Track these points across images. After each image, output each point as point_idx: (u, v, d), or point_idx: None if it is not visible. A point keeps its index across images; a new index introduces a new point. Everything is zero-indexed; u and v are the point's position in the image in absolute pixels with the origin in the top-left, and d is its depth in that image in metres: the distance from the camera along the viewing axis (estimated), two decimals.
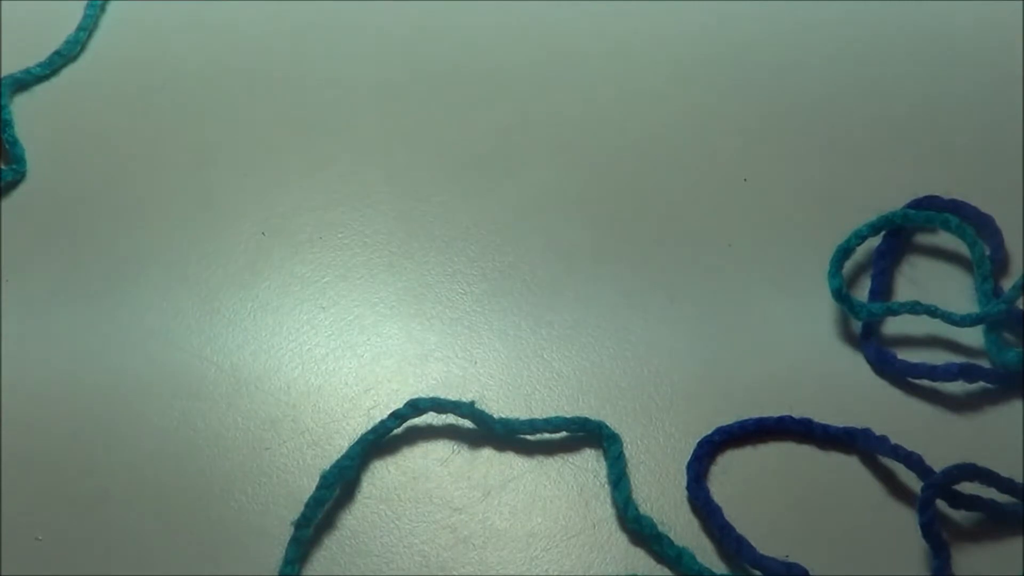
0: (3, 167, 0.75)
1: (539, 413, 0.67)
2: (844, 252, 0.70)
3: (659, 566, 0.63)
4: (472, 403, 0.66)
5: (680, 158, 0.76)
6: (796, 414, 0.66)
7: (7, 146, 0.76)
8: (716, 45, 0.81)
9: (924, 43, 0.80)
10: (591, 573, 0.63)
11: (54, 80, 0.79)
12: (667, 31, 0.82)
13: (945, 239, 0.72)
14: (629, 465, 0.66)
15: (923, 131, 0.77)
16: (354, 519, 0.64)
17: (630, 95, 0.79)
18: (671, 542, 0.63)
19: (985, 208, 0.72)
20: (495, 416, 0.66)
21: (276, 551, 0.63)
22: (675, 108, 0.78)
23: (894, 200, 0.73)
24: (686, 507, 0.65)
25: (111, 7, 0.82)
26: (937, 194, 0.73)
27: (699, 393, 0.68)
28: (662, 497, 0.65)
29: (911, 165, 0.75)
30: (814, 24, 0.82)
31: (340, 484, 0.64)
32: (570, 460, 0.66)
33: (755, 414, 0.67)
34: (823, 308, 0.70)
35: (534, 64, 0.80)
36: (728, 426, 0.66)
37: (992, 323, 0.68)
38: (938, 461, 0.64)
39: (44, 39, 0.80)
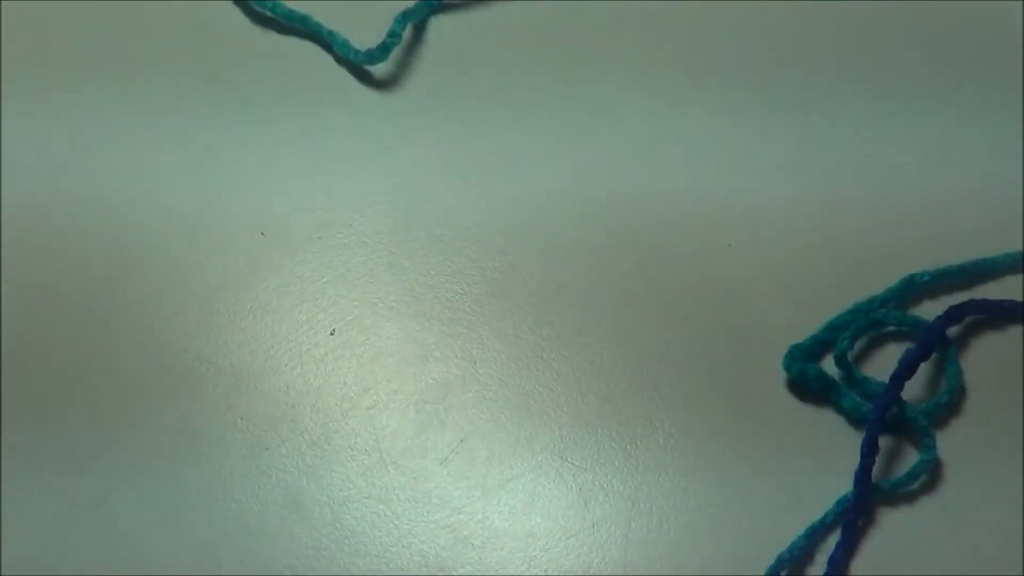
0: None
1: (539, 413, 0.67)
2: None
3: (658, 566, 0.63)
4: None
5: (682, 158, 0.76)
6: None
7: None
8: (718, 45, 0.81)
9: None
10: (590, 573, 0.63)
11: None
12: (668, 31, 0.81)
13: None
14: (628, 465, 0.66)
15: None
16: (353, 519, 0.64)
17: (632, 95, 0.79)
18: None
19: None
20: None
21: (276, 551, 0.63)
22: (677, 108, 0.78)
23: None
24: (685, 508, 0.65)
25: None
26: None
27: (699, 394, 0.68)
28: (662, 497, 0.65)
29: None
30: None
31: None
32: (569, 459, 0.66)
33: (756, 414, 0.67)
34: (821, 310, 0.70)
35: (534, 64, 0.79)
36: None
37: None
38: None
39: None
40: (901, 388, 0.66)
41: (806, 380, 0.68)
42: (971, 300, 0.69)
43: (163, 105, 0.78)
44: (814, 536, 0.64)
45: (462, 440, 0.67)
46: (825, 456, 0.66)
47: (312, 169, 0.75)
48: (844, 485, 0.65)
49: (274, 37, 0.80)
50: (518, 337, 0.70)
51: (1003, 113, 0.77)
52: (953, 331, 0.69)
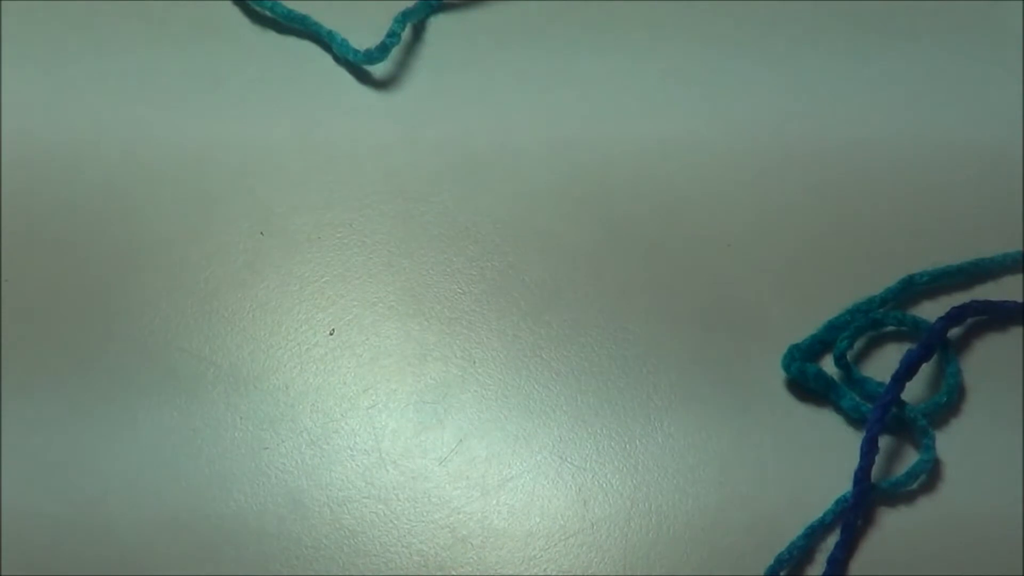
0: None
1: (538, 413, 0.67)
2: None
3: (657, 566, 0.63)
4: None
5: (681, 160, 0.76)
6: None
7: None
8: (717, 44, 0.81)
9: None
10: (589, 573, 0.63)
11: None
12: (669, 31, 0.81)
13: None
14: (628, 465, 0.66)
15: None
16: (352, 519, 0.64)
17: (633, 96, 0.79)
18: None
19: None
20: None
21: (276, 551, 0.63)
22: (679, 108, 0.78)
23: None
24: (684, 508, 0.65)
25: None
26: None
27: (699, 394, 0.68)
28: (662, 497, 0.65)
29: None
30: None
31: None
32: (569, 459, 0.66)
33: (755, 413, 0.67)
34: (821, 310, 0.70)
35: (533, 64, 0.79)
36: None
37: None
38: None
39: None
40: (902, 389, 0.66)
41: (806, 380, 0.68)
42: (973, 301, 0.69)
43: (162, 105, 0.78)
44: (814, 536, 0.64)
45: (461, 440, 0.67)
46: (825, 456, 0.66)
47: (312, 169, 0.75)
48: (844, 485, 0.65)
49: (274, 37, 0.81)
50: (517, 336, 0.70)
51: (1004, 113, 0.77)
52: (953, 331, 0.69)
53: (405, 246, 0.73)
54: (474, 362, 0.69)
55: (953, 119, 0.77)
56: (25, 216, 0.74)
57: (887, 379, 0.67)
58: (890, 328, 0.70)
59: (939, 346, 0.68)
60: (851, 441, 0.66)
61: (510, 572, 0.63)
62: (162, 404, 0.67)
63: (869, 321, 0.69)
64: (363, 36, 0.79)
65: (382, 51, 0.78)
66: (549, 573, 0.63)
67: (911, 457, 0.66)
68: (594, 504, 0.65)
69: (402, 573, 0.63)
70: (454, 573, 0.63)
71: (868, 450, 0.65)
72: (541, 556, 0.64)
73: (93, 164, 0.76)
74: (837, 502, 0.64)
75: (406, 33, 0.80)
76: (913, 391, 0.67)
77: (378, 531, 0.64)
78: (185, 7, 0.81)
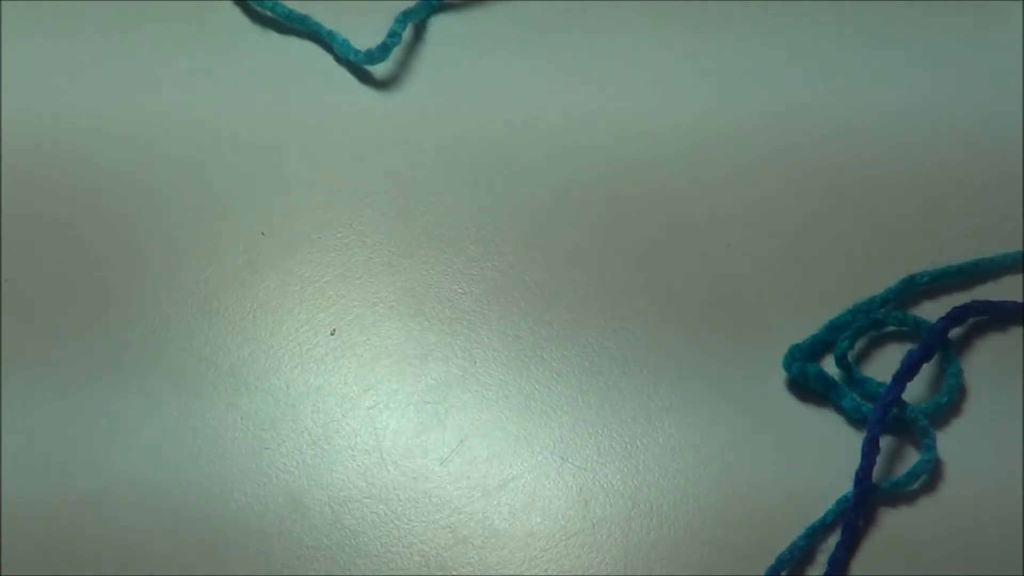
0: None
1: (539, 413, 0.67)
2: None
3: (658, 566, 0.63)
4: None
5: (681, 160, 0.76)
6: None
7: None
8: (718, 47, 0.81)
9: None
10: (590, 573, 0.63)
11: None
12: (670, 32, 0.82)
13: None
14: (628, 465, 0.66)
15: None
16: (353, 519, 0.64)
17: (634, 96, 0.79)
18: None
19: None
20: None
21: (276, 551, 0.63)
22: (679, 108, 0.78)
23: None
24: (685, 508, 0.65)
25: None
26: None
27: (699, 394, 0.68)
28: (662, 497, 0.65)
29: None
30: None
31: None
32: (569, 459, 0.66)
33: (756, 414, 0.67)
34: (821, 310, 0.70)
35: (533, 64, 0.79)
36: None
37: None
38: None
39: None
40: (903, 389, 0.66)
41: (806, 380, 0.68)
42: (974, 301, 0.69)
43: (163, 105, 0.78)
44: (814, 536, 0.64)
45: (462, 440, 0.67)
46: (825, 456, 0.66)
47: (312, 169, 0.75)
48: (844, 485, 0.65)
49: (274, 37, 0.81)
50: (518, 336, 0.70)
51: (1004, 113, 0.77)
52: (953, 331, 0.69)
53: (405, 246, 0.73)
54: (475, 362, 0.69)
55: (953, 119, 0.77)
56: (25, 216, 0.74)
57: (888, 379, 0.67)
58: (891, 328, 0.70)
59: (940, 346, 0.68)
60: (852, 441, 0.66)
61: (511, 572, 0.63)
62: (162, 404, 0.68)
63: (870, 321, 0.69)
64: (364, 36, 0.79)
65: (383, 51, 0.78)
66: (550, 573, 0.63)
67: (912, 457, 0.66)
68: (595, 504, 0.65)
69: (403, 573, 0.63)
70: (455, 573, 0.63)
71: (869, 450, 0.65)
72: (542, 556, 0.64)
73: (93, 164, 0.76)
74: (838, 502, 0.64)
75: (407, 33, 0.80)
76: (914, 391, 0.67)
77: (379, 531, 0.64)
78: (185, 7, 0.81)
